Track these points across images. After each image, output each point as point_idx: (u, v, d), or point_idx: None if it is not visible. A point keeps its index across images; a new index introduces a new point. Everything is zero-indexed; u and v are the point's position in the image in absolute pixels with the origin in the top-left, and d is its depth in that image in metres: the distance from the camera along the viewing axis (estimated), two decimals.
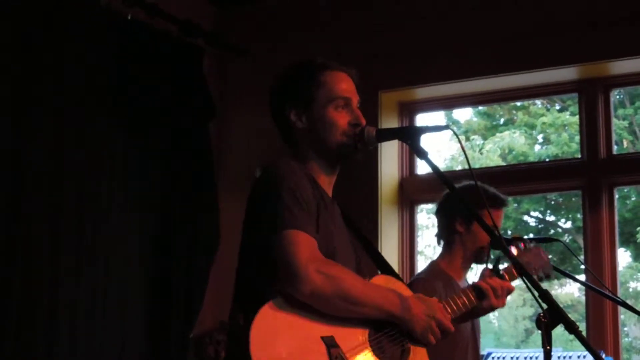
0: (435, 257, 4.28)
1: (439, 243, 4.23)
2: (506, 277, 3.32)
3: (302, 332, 2.64)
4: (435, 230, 4.22)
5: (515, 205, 13.34)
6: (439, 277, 4.04)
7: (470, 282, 3.36)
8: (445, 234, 4.18)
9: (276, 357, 2.53)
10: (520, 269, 2.70)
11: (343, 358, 2.66)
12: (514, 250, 3.48)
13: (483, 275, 3.31)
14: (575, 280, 3.82)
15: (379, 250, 5.54)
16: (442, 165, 11.96)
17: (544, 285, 2.60)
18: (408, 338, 2.87)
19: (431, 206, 11.41)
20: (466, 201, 3.20)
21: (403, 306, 2.80)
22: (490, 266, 3.35)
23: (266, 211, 2.73)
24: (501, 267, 3.36)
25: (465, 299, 3.14)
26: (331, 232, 2.88)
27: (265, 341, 2.53)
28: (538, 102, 13.15)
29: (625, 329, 12.78)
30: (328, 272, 2.65)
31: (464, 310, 3.12)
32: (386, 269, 3.17)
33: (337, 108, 2.98)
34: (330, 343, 2.66)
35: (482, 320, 4.26)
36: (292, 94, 3.01)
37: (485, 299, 3.21)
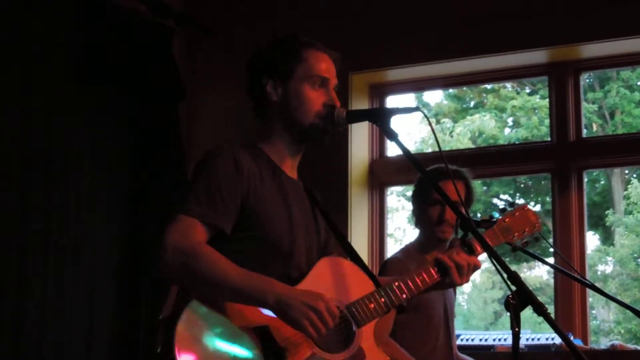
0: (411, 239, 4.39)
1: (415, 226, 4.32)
2: (477, 249, 3.03)
3: (228, 330, 2.63)
4: (406, 212, 4.28)
5: (485, 188, 13.40)
6: (412, 258, 4.12)
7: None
8: (414, 217, 4.26)
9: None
10: (487, 249, 2.66)
11: (278, 350, 2.64)
12: (496, 214, 3.28)
13: (451, 247, 3.12)
14: (545, 262, 3.81)
15: (349, 233, 5.60)
16: (412, 148, 11.99)
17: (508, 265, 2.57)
18: (355, 323, 2.81)
19: (401, 188, 11.49)
20: (433, 184, 3.15)
21: (275, 294, 2.63)
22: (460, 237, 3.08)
23: (177, 197, 2.87)
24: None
25: (425, 276, 2.99)
26: (267, 206, 2.85)
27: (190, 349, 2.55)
28: (508, 85, 13.19)
29: (594, 311, 12.87)
30: (186, 248, 2.62)
31: (422, 288, 2.98)
32: (353, 255, 3.09)
33: (314, 86, 2.98)
34: (263, 337, 2.64)
35: None
36: (272, 64, 3.01)
37: (448, 276, 2.99)
